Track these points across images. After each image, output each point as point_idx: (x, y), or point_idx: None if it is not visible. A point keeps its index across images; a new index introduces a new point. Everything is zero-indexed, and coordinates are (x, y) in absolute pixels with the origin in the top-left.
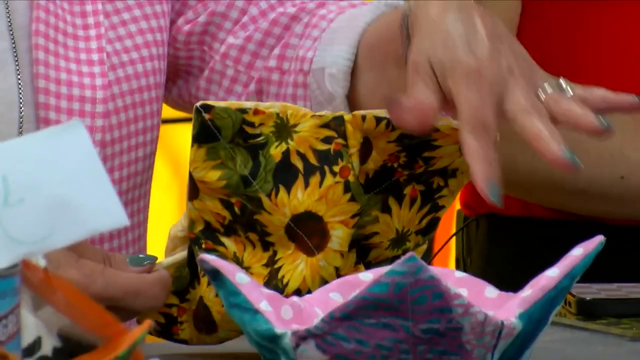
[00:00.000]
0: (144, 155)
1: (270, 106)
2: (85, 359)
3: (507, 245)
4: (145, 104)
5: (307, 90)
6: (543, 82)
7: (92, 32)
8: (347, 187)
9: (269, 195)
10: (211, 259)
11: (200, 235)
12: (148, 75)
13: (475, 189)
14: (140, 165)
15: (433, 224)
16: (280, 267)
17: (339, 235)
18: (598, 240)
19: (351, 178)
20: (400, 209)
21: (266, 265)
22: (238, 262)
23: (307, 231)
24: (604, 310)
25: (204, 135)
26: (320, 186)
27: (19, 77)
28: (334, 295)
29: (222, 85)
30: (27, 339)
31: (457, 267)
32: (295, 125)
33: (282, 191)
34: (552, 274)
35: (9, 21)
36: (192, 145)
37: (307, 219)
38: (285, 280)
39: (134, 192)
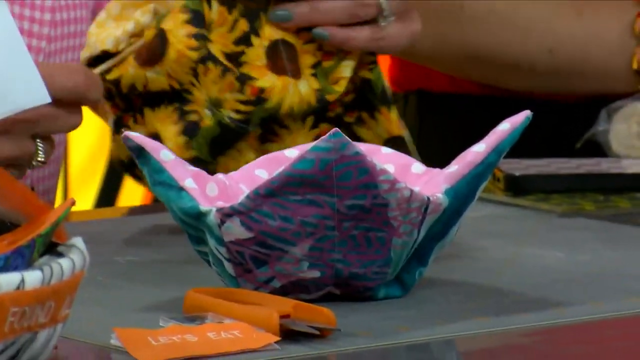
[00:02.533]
0: None
1: None
2: (8, 238)
3: (436, 122)
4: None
5: None
6: None
7: None
8: None
9: None
10: (135, 136)
11: None
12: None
13: (403, 66)
14: None
15: None
16: (244, 63)
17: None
18: (525, 115)
19: None
20: None
21: (235, 43)
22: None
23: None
24: (534, 186)
25: None
26: None
27: None
28: (260, 172)
29: None
30: None
31: None
32: None
33: None
34: (478, 149)
35: None
36: None
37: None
38: (250, 74)
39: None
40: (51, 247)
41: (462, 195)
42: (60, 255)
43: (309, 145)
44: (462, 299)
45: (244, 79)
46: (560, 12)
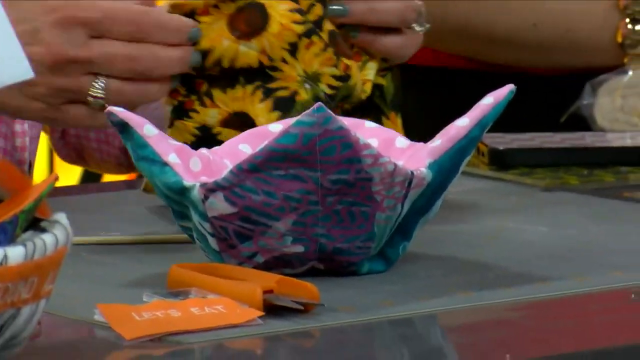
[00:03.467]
0: None
1: None
2: None
3: (420, 96)
4: None
5: None
6: None
7: None
8: None
9: None
10: (119, 111)
11: None
12: None
13: None
14: None
15: None
16: None
17: None
18: (508, 89)
19: None
20: None
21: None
22: None
23: None
24: (517, 160)
25: None
26: None
27: None
28: (243, 147)
29: None
30: None
31: None
32: None
33: None
34: (462, 124)
35: None
36: None
37: None
38: None
39: None
40: (34, 223)
41: (445, 170)
42: (44, 230)
43: (292, 120)
44: (445, 273)
45: (338, 55)
46: None
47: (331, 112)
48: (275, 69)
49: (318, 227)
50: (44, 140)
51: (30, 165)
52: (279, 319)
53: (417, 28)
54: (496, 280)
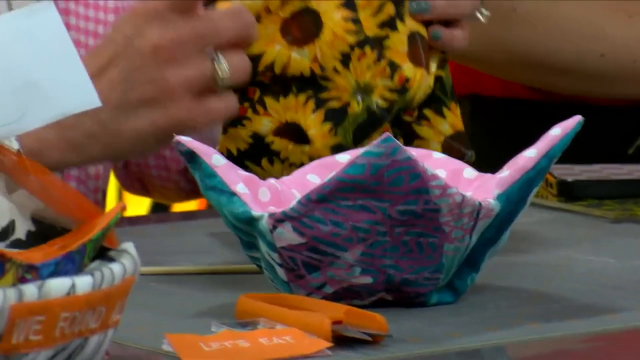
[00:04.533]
0: None
1: None
2: (59, 242)
3: (488, 126)
4: None
5: None
6: None
7: None
8: None
9: None
10: (187, 140)
11: None
12: None
13: (456, 70)
14: None
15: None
16: (387, 48)
17: None
18: (576, 120)
19: None
20: None
21: (380, 27)
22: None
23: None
24: (586, 192)
25: None
26: None
27: None
28: (311, 177)
29: None
30: (0, 223)
31: None
32: None
33: None
34: (530, 155)
35: None
36: None
37: None
38: (394, 60)
39: None
40: (102, 252)
41: (513, 201)
42: (112, 260)
43: (360, 151)
44: (513, 304)
45: (394, 67)
46: (612, 15)
47: (398, 143)
48: (326, 78)
49: (386, 258)
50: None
51: (104, 193)
52: (348, 350)
53: (482, 18)
54: (564, 311)
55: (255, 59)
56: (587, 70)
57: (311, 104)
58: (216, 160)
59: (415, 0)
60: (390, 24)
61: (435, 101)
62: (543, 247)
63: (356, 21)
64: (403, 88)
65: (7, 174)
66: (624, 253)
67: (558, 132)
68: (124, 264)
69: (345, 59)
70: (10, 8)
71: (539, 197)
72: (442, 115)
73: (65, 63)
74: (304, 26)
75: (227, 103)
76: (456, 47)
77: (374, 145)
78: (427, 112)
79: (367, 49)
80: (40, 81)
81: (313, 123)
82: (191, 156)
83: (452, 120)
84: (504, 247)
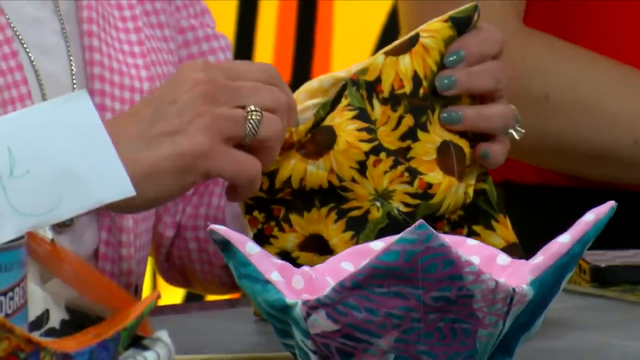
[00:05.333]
0: None
1: None
2: (93, 331)
3: (522, 213)
4: None
5: None
6: None
7: (130, 25)
8: None
9: None
10: (221, 229)
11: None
12: None
13: None
14: None
15: None
16: (412, 158)
17: None
18: (609, 205)
19: None
20: None
21: (401, 139)
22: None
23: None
24: (619, 277)
25: None
26: None
27: (71, 61)
28: (345, 265)
29: None
30: (34, 312)
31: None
32: None
33: None
34: (563, 241)
35: (57, 7)
36: None
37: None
38: (418, 169)
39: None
40: (136, 341)
41: (547, 286)
42: (146, 348)
43: (394, 238)
44: None
45: (414, 172)
46: None
47: (432, 230)
48: (346, 189)
49: (420, 344)
50: (149, 263)
51: (137, 289)
52: None
53: (516, 135)
54: None
55: (271, 175)
56: (621, 157)
57: (333, 215)
58: (250, 248)
59: (447, 111)
60: (411, 135)
61: (482, 215)
62: (577, 333)
63: (370, 130)
64: (425, 193)
65: (41, 264)
66: None
67: (591, 218)
68: (159, 352)
69: (362, 167)
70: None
71: (572, 283)
72: (491, 228)
73: (99, 151)
74: (318, 140)
75: (251, 163)
76: (494, 164)
77: (407, 232)
78: (477, 227)
79: (383, 155)
80: (74, 170)
81: (335, 232)
82: (225, 245)
83: (502, 233)
84: (537, 332)
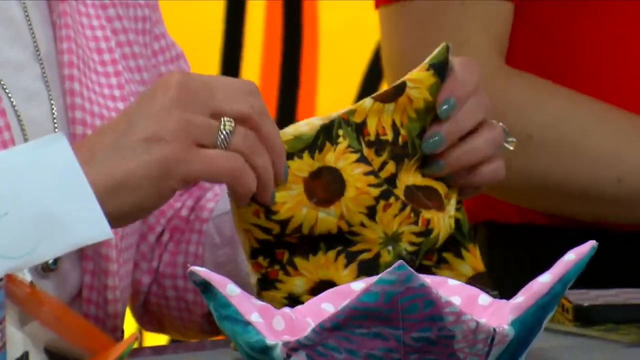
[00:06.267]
0: None
1: None
2: None
3: (504, 252)
4: None
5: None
6: None
7: (110, 69)
8: None
9: None
10: (201, 270)
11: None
12: None
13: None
14: None
15: None
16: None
17: None
18: (590, 245)
19: None
20: None
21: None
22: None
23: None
24: (602, 317)
25: None
26: None
27: (52, 106)
28: (326, 306)
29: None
30: (14, 354)
31: None
32: None
33: None
34: (544, 280)
35: (37, 50)
36: None
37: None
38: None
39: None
40: None
41: (528, 326)
42: None
43: (374, 278)
44: None
45: (417, 212)
46: (629, 140)
47: (412, 270)
48: (355, 233)
49: None
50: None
51: (123, 333)
52: None
53: (509, 147)
54: None
55: (284, 223)
56: (604, 195)
57: (342, 259)
58: (230, 290)
59: (430, 163)
60: (392, 182)
61: (453, 244)
62: None
63: (376, 175)
64: (427, 230)
65: (20, 306)
66: None
67: (572, 257)
68: None
69: (371, 212)
70: (33, 37)
71: (555, 322)
72: (461, 257)
73: (77, 193)
74: (328, 187)
75: (229, 158)
76: (490, 181)
77: (387, 272)
78: (447, 255)
79: (392, 199)
80: (53, 212)
81: (347, 278)
82: (205, 286)
83: (471, 261)
84: None
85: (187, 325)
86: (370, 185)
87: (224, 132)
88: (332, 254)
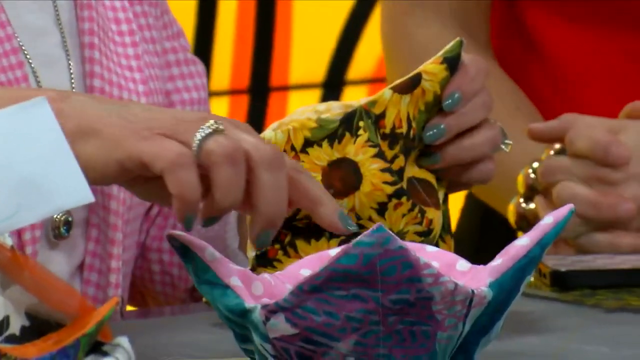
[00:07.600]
0: None
1: None
2: (53, 337)
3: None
4: None
5: None
6: None
7: (127, 39)
8: None
9: None
10: (180, 235)
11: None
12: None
13: None
14: None
15: None
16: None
17: None
18: (568, 208)
19: None
20: None
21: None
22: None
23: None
24: (579, 282)
25: None
26: None
27: (71, 74)
28: (305, 272)
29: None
30: None
31: None
32: None
33: None
34: (522, 243)
35: (57, 17)
36: None
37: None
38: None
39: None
40: (96, 347)
41: (506, 289)
42: (106, 354)
43: (352, 241)
44: None
45: (422, 212)
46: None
47: (390, 232)
48: (361, 226)
49: (380, 347)
50: None
51: (123, 301)
52: None
53: (505, 148)
54: None
55: (298, 208)
56: None
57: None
58: (210, 254)
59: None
60: (400, 175)
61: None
62: (537, 337)
63: (392, 172)
64: (428, 230)
65: (1, 270)
66: (617, 342)
67: (550, 220)
68: (118, 358)
69: (381, 208)
70: (55, 5)
71: (533, 287)
72: (437, 247)
73: (59, 158)
74: (346, 178)
75: (178, 147)
76: (483, 182)
77: (366, 235)
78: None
79: (404, 199)
80: (33, 177)
81: None
82: (184, 250)
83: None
84: (497, 335)
85: (170, 301)
86: (385, 182)
87: (200, 130)
88: (334, 242)
